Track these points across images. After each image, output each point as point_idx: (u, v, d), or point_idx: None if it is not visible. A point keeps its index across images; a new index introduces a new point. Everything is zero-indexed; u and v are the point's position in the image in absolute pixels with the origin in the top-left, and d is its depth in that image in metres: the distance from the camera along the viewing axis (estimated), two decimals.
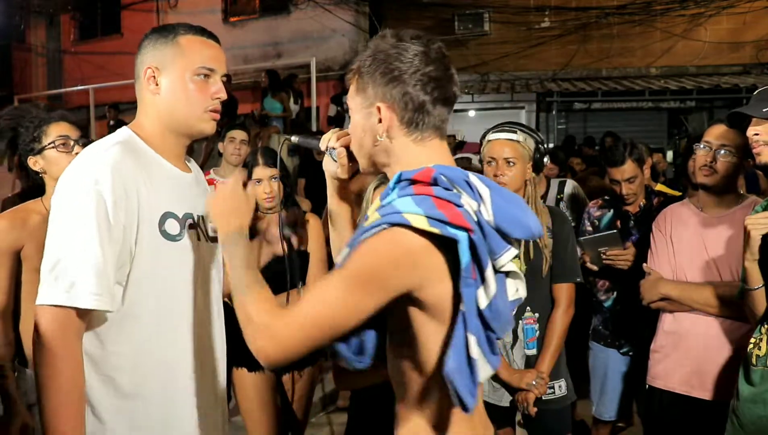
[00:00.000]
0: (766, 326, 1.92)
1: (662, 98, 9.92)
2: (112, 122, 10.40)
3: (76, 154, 2.18)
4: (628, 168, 3.00)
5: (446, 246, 1.14)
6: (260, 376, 2.76)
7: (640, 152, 3.07)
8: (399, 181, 1.22)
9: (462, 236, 1.13)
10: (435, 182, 1.18)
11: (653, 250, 2.51)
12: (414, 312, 1.20)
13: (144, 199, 1.44)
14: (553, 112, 10.52)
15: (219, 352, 1.68)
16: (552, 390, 2.47)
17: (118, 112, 10.95)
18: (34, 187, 2.42)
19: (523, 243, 2.45)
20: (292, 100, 8.76)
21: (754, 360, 1.90)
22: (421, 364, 1.22)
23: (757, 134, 1.94)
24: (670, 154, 9.98)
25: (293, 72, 9.27)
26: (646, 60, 10.24)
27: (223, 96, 1.56)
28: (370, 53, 1.27)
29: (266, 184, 2.72)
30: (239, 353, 1.77)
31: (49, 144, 2.19)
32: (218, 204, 1.41)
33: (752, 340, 1.94)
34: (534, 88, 10.14)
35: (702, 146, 2.34)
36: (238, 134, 4.04)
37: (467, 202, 1.17)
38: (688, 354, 2.37)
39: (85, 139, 2.26)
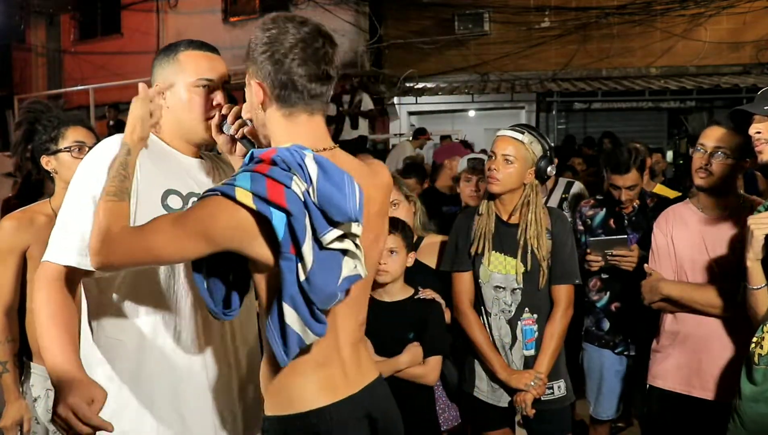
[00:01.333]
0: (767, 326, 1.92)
1: (662, 98, 9.91)
2: (111, 122, 10.41)
3: None
4: (632, 176, 3.00)
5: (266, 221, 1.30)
6: None
7: (643, 158, 3.07)
8: (251, 158, 1.38)
9: (278, 215, 1.28)
10: (273, 162, 1.33)
11: (654, 250, 2.51)
12: (252, 269, 1.40)
13: (144, 176, 1.59)
14: (553, 112, 10.52)
15: (237, 326, 1.74)
16: (551, 390, 2.47)
17: (118, 112, 10.95)
18: (31, 187, 2.45)
19: (521, 244, 2.45)
20: None
21: (756, 359, 1.90)
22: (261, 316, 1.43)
23: (759, 132, 1.94)
24: (670, 154, 9.98)
25: None
26: (646, 60, 10.23)
27: (222, 102, 1.68)
28: (254, 36, 1.43)
29: None
30: None
31: (65, 148, 2.25)
32: (134, 108, 1.62)
33: (754, 339, 1.94)
34: (534, 88, 10.13)
35: (698, 149, 2.34)
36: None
37: (297, 183, 1.31)
38: (689, 354, 2.37)
39: None
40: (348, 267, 1.37)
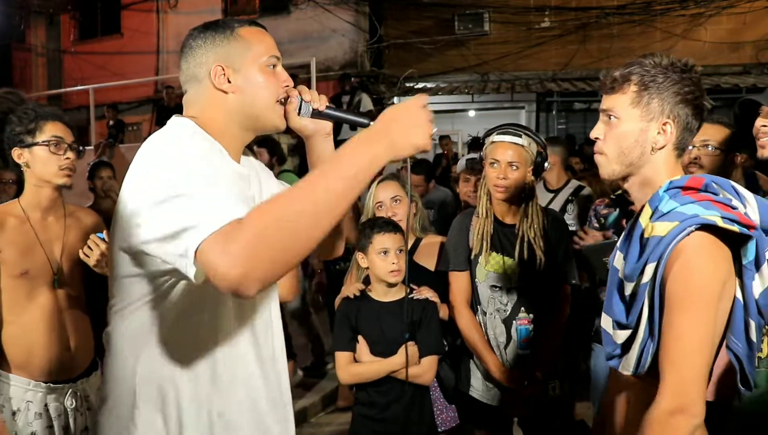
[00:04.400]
0: (767, 328, 1.92)
1: None
2: (111, 122, 10.41)
3: (67, 158, 2.13)
4: None
5: (730, 243, 1.31)
6: None
7: None
8: (669, 188, 1.37)
9: (752, 233, 1.30)
10: (705, 189, 1.34)
11: None
12: None
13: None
14: (553, 112, 10.52)
15: (280, 338, 1.56)
16: (546, 391, 2.47)
17: (117, 112, 10.96)
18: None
19: (518, 244, 2.45)
20: None
21: (756, 361, 1.90)
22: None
23: (765, 126, 1.93)
24: None
25: (293, 72, 9.26)
26: None
27: (291, 83, 1.50)
28: (660, 70, 1.43)
29: None
30: None
31: (42, 141, 2.11)
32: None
33: None
34: (534, 88, 10.14)
35: (687, 147, 2.36)
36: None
37: (737, 205, 1.32)
38: None
39: (77, 146, 2.20)
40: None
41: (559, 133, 10.40)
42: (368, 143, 1.19)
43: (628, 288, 1.40)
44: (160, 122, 9.78)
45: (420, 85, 10.60)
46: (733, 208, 1.30)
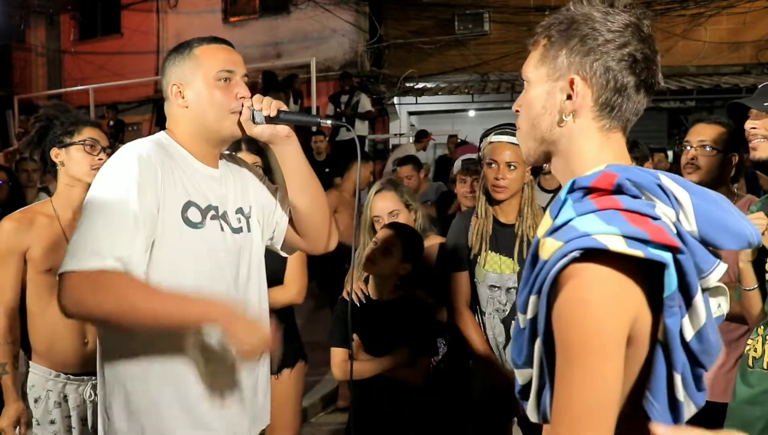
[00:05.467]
0: (762, 328, 1.92)
1: (662, 98, 9.90)
2: (111, 122, 10.41)
3: (100, 159, 2.28)
4: None
5: (645, 270, 0.93)
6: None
7: (642, 151, 3.07)
8: (571, 190, 1.02)
9: (668, 258, 0.91)
10: (619, 190, 0.97)
11: None
12: None
13: (169, 185, 1.53)
14: None
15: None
16: None
17: (117, 112, 10.96)
18: (14, 197, 2.47)
19: (516, 244, 2.45)
20: (291, 100, 8.76)
21: (750, 362, 1.90)
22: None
23: (754, 128, 1.94)
24: (670, 154, 9.97)
25: (293, 72, 9.27)
26: None
27: (247, 94, 1.62)
28: (568, 15, 1.06)
29: None
30: None
31: (78, 141, 2.26)
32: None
33: (749, 341, 1.94)
34: None
35: (684, 147, 2.38)
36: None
37: (663, 211, 0.95)
38: None
39: (110, 150, 2.30)
40: (713, 307, 1.03)
41: None
42: (199, 312, 1.46)
43: (521, 321, 1.07)
44: (160, 122, 9.79)
45: (420, 85, 10.60)
46: (654, 217, 0.94)
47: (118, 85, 11.35)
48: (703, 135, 2.32)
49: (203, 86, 1.59)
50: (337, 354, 2.42)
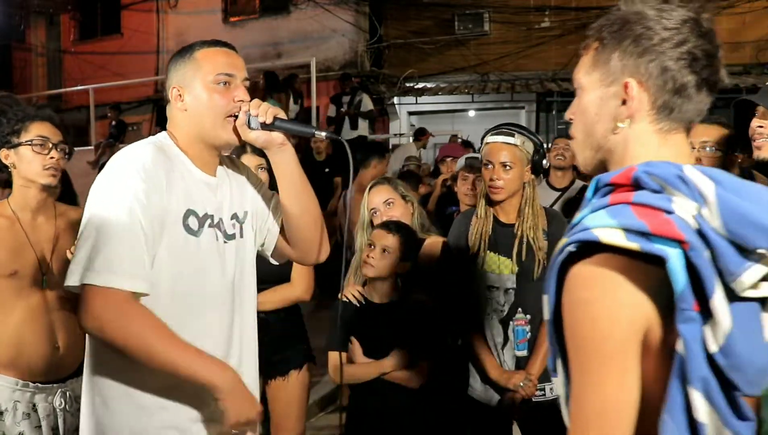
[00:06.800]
0: None
1: None
2: (113, 122, 10.41)
3: (52, 157, 2.14)
4: None
5: (654, 266, 0.87)
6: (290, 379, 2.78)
7: None
8: (597, 188, 0.98)
9: (672, 253, 0.85)
10: (637, 184, 0.93)
11: None
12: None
13: (173, 194, 1.54)
14: (553, 112, 10.51)
15: (245, 346, 1.71)
16: (542, 392, 2.46)
17: (119, 112, 10.95)
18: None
19: (516, 244, 2.44)
20: (292, 100, 8.75)
21: None
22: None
23: (761, 126, 1.91)
24: None
25: (293, 72, 9.27)
26: None
27: (245, 99, 1.61)
28: (620, 14, 1.01)
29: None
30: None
31: (26, 141, 2.12)
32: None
33: None
34: (534, 88, 10.13)
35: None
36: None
37: (682, 205, 0.88)
38: None
39: (65, 145, 2.20)
40: None
41: (560, 133, 10.39)
42: (211, 377, 1.49)
43: (546, 325, 1.02)
44: (160, 122, 9.78)
45: (420, 85, 10.60)
46: (668, 211, 0.88)
47: (118, 85, 11.36)
48: (705, 136, 2.31)
49: (202, 89, 1.58)
50: (335, 357, 2.40)
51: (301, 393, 2.82)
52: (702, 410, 0.86)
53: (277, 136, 1.64)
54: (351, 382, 2.40)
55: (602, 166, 1.05)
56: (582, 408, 0.89)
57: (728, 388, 0.87)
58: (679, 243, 0.86)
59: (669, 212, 0.88)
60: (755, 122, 1.93)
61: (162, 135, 1.65)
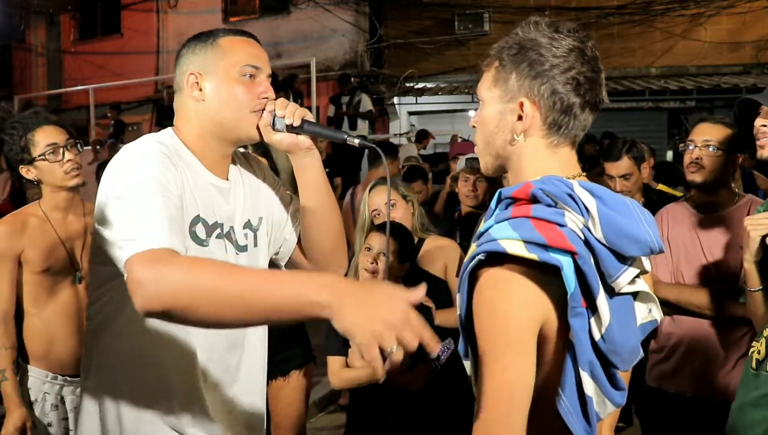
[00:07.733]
0: (767, 330, 1.91)
1: (662, 98, 9.90)
2: (112, 122, 10.41)
3: (68, 160, 2.21)
4: (624, 164, 2.97)
5: (551, 272, 1.04)
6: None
7: (639, 151, 3.05)
8: (499, 200, 1.14)
9: (565, 261, 1.02)
10: (534, 199, 1.08)
11: None
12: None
13: (185, 194, 1.38)
14: None
15: (254, 357, 1.57)
16: None
17: (119, 112, 10.95)
18: (17, 191, 2.43)
19: None
20: (291, 100, 8.74)
21: (754, 364, 1.89)
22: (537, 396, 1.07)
23: (765, 126, 1.90)
24: (670, 154, 9.97)
25: (293, 72, 9.27)
26: (646, 60, 10.22)
27: (272, 95, 1.47)
28: (517, 39, 1.16)
29: None
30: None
31: (39, 156, 2.18)
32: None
33: (754, 344, 1.93)
34: None
35: (688, 146, 2.36)
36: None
37: (572, 219, 1.05)
38: (687, 355, 2.36)
39: (73, 141, 2.25)
40: (641, 313, 1.13)
41: None
42: (316, 293, 1.10)
43: (460, 319, 1.17)
44: (160, 122, 9.78)
45: (420, 85, 10.59)
46: (561, 224, 1.04)
47: (118, 85, 11.36)
48: (707, 135, 2.30)
49: (225, 79, 1.43)
50: (334, 362, 2.39)
51: (302, 393, 2.83)
52: (589, 386, 1.06)
53: (305, 140, 1.49)
54: (351, 387, 2.39)
55: (501, 170, 1.22)
56: (488, 385, 1.04)
57: (608, 366, 1.07)
58: (571, 253, 1.03)
59: (562, 226, 1.05)
60: (759, 121, 1.92)
61: (167, 131, 1.49)
